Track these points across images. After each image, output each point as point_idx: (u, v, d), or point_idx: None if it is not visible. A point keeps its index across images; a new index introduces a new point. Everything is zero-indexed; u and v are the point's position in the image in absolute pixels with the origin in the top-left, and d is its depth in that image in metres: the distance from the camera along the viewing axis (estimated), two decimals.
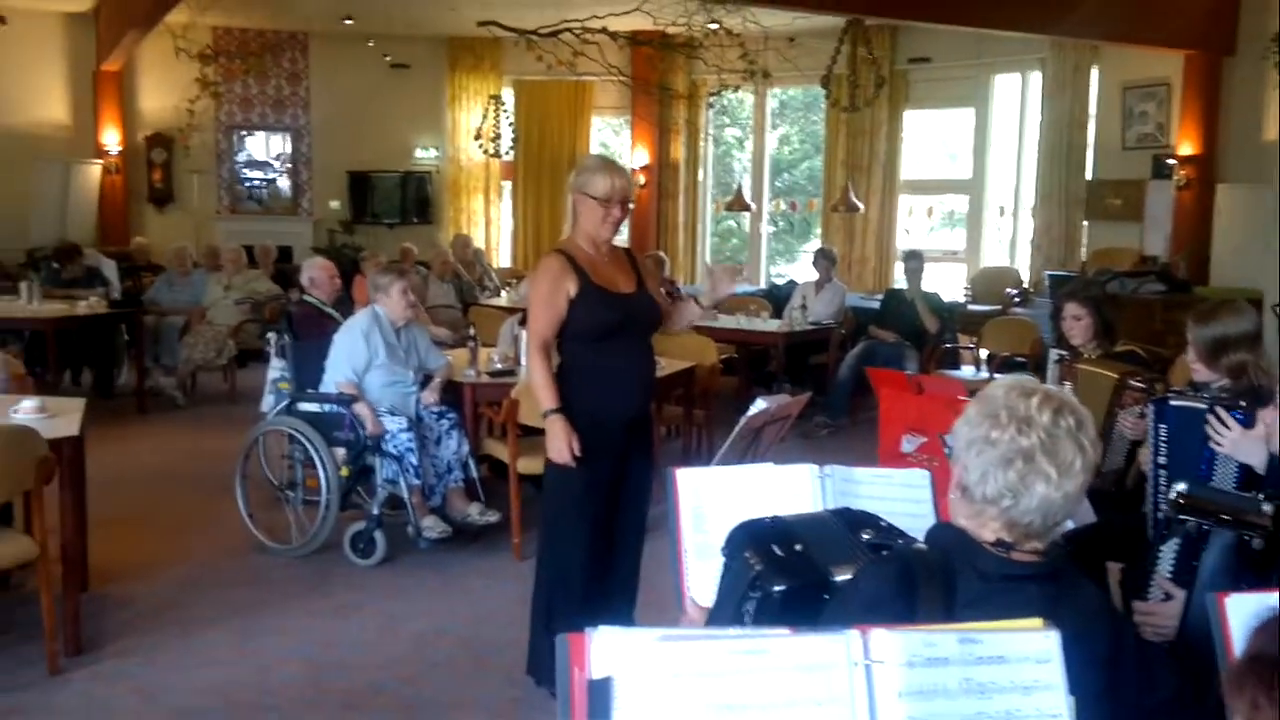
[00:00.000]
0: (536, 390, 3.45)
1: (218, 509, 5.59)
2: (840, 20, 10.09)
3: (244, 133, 13.80)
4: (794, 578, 1.73)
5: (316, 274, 6.15)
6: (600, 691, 1.14)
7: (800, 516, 1.95)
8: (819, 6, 9.43)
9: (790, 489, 2.28)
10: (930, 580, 1.61)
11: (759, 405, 3.15)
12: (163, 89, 13.09)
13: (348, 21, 11.81)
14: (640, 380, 3.57)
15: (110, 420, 7.34)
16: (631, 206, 3.54)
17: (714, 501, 2.29)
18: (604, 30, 10.80)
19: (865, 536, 1.88)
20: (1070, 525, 2.77)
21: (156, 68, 12.99)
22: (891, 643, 1.27)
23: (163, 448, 7.12)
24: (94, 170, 13.02)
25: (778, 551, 1.76)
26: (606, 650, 1.16)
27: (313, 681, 3.70)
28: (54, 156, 12.52)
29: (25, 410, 4.00)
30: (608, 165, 3.45)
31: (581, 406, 3.40)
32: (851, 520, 1.93)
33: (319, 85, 13.70)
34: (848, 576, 1.74)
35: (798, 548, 1.78)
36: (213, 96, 12.90)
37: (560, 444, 3.35)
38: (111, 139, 13.13)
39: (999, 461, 1.62)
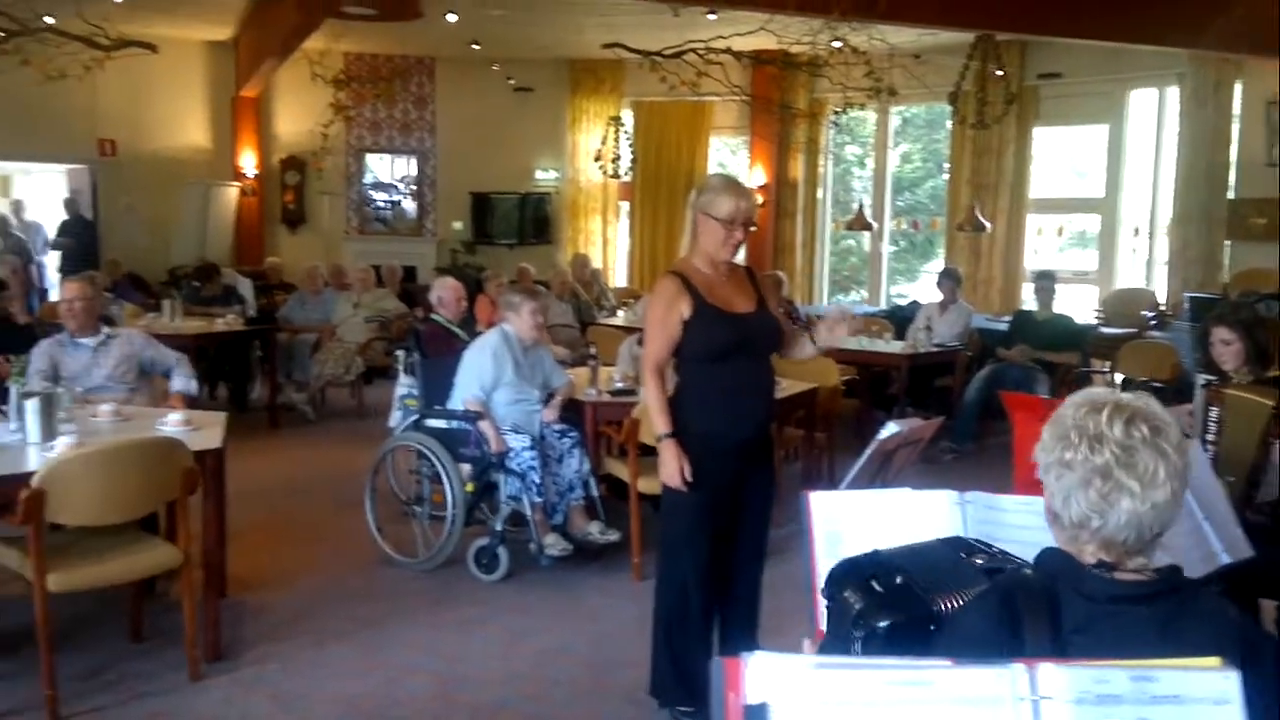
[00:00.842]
0: (651, 413, 3.44)
1: (347, 522, 5.75)
2: (969, 36, 9.90)
3: (372, 155, 14.25)
4: (895, 612, 1.67)
5: (445, 294, 6.27)
6: (756, 717, 1.12)
7: (905, 547, 1.88)
8: (948, 23, 9.26)
9: (928, 515, 2.20)
10: (1034, 609, 1.54)
11: (891, 428, 3.07)
12: (297, 114, 13.62)
13: (475, 47, 12.09)
14: (758, 401, 3.51)
15: (244, 434, 7.58)
16: (753, 229, 3.50)
17: (850, 526, 2.24)
18: (728, 50, 10.81)
19: (978, 562, 1.81)
20: (1225, 560, 2.63)
21: (291, 93, 13.53)
22: (1060, 678, 1.21)
23: (293, 461, 7.36)
24: (231, 192, 13.62)
25: (877, 587, 1.71)
26: (762, 675, 1.13)
27: (439, 694, 3.76)
28: (195, 179, 13.15)
29: (172, 423, 4.18)
30: (732, 186, 3.42)
31: (698, 428, 3.37)
32: (963, 546, 1.87)
33: (444, 108, 14.07)
34: (952, 605, 1.68)
35: (898, 580, 1.72)
36: (345, 120, 13.36)
37: (672, 469, 3.34)
38: (248, 162, 13.72)
39: (1078, 483, 1.56)
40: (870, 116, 13.28)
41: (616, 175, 13.33)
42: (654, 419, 3.41)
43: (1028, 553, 1.82)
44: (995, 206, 11.70)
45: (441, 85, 14.06)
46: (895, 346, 7.97)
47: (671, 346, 3.38)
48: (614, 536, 5.02)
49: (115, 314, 7.95)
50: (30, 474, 3.44)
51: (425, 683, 3.85)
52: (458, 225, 14.30)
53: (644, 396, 3.46)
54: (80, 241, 12.48)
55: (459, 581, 4.90)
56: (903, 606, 1.68)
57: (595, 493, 5.13)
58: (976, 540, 1.89)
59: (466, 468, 5.03)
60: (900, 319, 9.05)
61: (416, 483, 5.39)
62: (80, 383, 4.86)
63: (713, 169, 14.02)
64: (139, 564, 3.80)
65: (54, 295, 11.07)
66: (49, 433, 3.87)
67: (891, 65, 10.62)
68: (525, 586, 4.85)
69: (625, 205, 14.33)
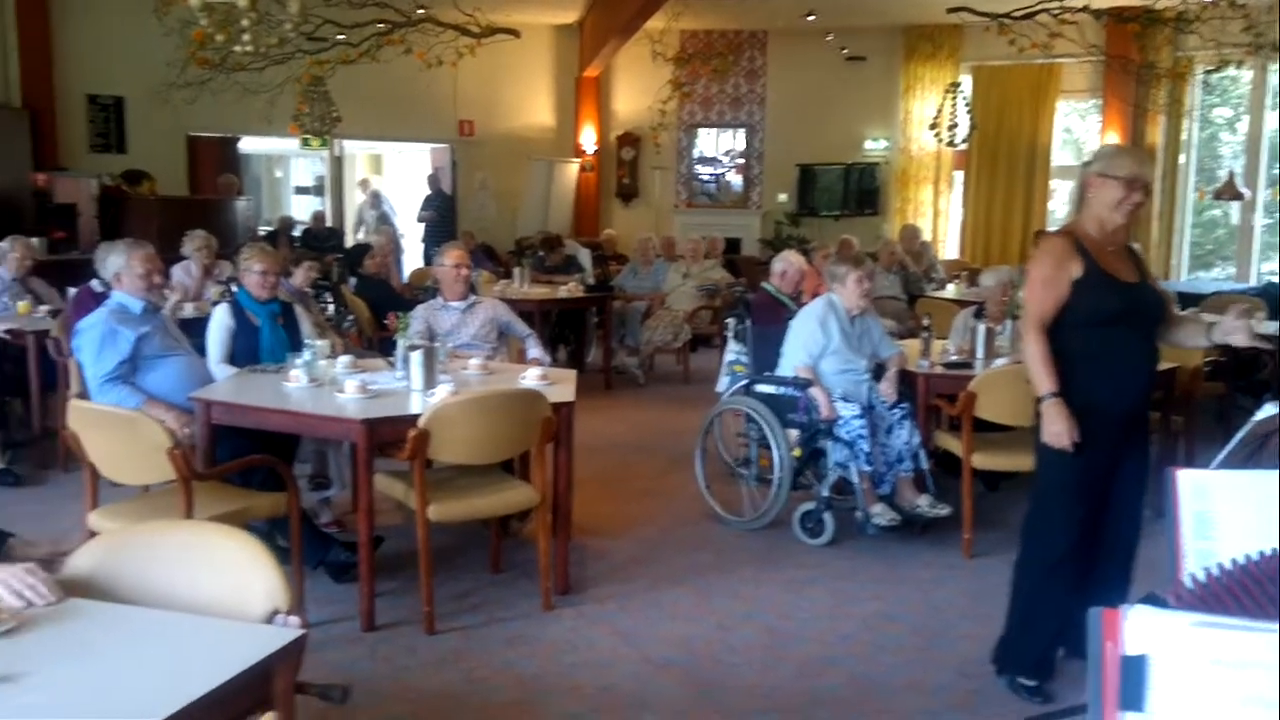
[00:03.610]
0: (1033, 373, 3.36)
1: (675, 479, 6.03)
2: None
3: (702, 130, 14.62)
4: None
5: (789, 269, 6.34)
6: (1134, 668, 1.11)
7: None
8: None
9: None
10: None
11: (1270, 409, 2.83)
12: (634, 92, 14.22)
13: (810, 18, 12.08)
14: (1141, 373, 3.40)
15: (581, 393, 8.01)
16: (1148, 198, 3.38)
17: (1223, 507, 2.10)
18: (1084, 8, 10.13)
19: None
20: None
21: (629, 72, 14.14)
22: None
23: (625, 420, 7.77)
24: (572, 168, 14.47)
25: None
26: (1141, 628, 1.12)
27: (768, 646, 3.88)
28: (540, 157, 14.08)
29: (531, 377, 4.56)
30: (1135, 150, 3.40)
31: (1079, 394, 3.28)
32: None
33: (775, 81, 14.18)
34: None
35: None
36: (683, 97, 13.80)
37: (1059, 428, 3.26)
38: (588, 139, 14.50)
39: None
40: (1245, 75, 11.98)
41: (952, 143, 12.88)
42: (1037, 379, 3.34)
43: None
44: None
45: (773, 58, 14.17)
46: (1270, 327, 7.19)
47: (1058, 306, 3.31)
48: (944, 511, 4.94)
49: (474, 281, 8.72)
50: (415, 416, 3.88)
51: (754, 633, 3.99)
52: (783, 197, 14.39)
53: (1025, 354, 3.40)
54: (441, 214, 13.73)
55: (784, 543, 5.01)
56: None
57: (925, 466, 5.06)
58: None
59: (794, 433, 5.11)
60: (1274, 298, 8.15)
61: (744, 446, 5.54)
62: (451, 340, 5.40)
63: (1058, 135, 13.22)
64: (503, 501, 4.20)
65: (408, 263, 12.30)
66: (430, 381, 4.34)
67: (1275, 18, 9.53)
68: (850, 553, 4.88)
69: (959, 175, 13.81)
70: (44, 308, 6.53)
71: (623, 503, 5.68)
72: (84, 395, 4.63)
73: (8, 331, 6.12)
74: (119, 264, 4.59)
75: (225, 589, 2.12)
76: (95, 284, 5.71)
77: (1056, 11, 10.17)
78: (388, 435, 3.96)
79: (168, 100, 10.61)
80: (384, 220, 15.34)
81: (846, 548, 4.94)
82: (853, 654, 3.83)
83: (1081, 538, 3.35)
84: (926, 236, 12.45)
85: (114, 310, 4.53)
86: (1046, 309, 3.31)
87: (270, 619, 2.05)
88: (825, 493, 5.00)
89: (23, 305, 6.49)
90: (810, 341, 5.13)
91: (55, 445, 6.11)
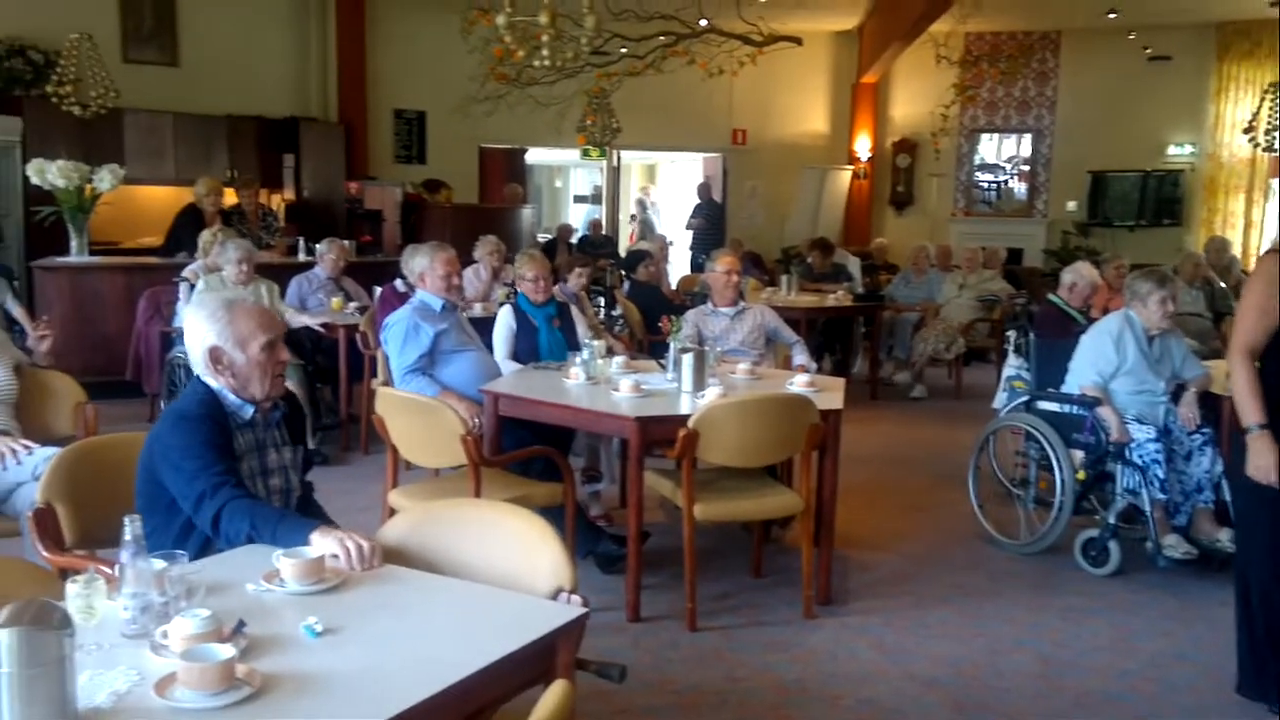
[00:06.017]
0: (1239, 403, 3.19)
1: (943, 495, 5.85)
2: None
3: (984, 136, 14.07)
4: None
5: (1080, 282, 6.03)
6: None
7: None
8: None
9: None
10: None
11: None
12: (913, 97, 13.90)
13: (1111, 16, 11.37)
14: None
15: (846, 403, 7.94)
16: None
17: None
18: None
19: None
20: None
21: (909, 77, 13.83)
22: None
23: (891, 433, 7.60)
24: (844, 176, 14.31)
25: None
26: None
27: (1042, 675, 3.69)
28: (812, 164, 14.01)
29: (799, 383, 4.56)
30: None
31: None
32: None
33: (1068, 84, 13.47)
34: None
35: None
36: (968, 101, 13.36)
37: (1266, 462, 3.09)
38: (862, 146, 14.29)
39: None
40: None
41: (1270, 149, 11.75)
42: (1243, 409, 3.18)
43: None
44: None
45: (1066, 59, 13.46)
46: None
47: (1269, 333, 3.16)
48: None
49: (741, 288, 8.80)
50: (685, 416, 3.96)
51: (1027, 660, 3.81)
52: (1071, 206, 13.62)
53: (1231, 383, 3.18)
54: (710, 222, 13.94)
55: (1062, 569, 4.74)
56: None
57: (1227, 497, 4.64)
58: None
59: (1079, 455, 4.83)
60: None
61: (1021, 466, 5.29)
62: (719, 344, 5.49)
63: None
64: (767, 505, 4.23)
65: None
66: (700, 383, 4.42)
67: None
68: (1137, 586, 4.55)
69: (1276, 183, 12.57)
70: (353, 304, 7.16)
71: (887, 516, 5.56)
72: (389, 384, 5.05)
73: (322, 325, 6.76)
74: (423, 265, 4.98)
75: (515, 564, 2.27)
76: (398, 283, 6.21)
77: None
78: (658, 434, 4.08)
79: (467, 114, 11.41)
80: (646, 227, 15.80)
81: (1133, 579, 4.61)
82: (1137, 692, 3.57)
83: None
84: (1236, 250, 11.41)
85: (417, 307, 4.92)
86: (1257, 335, 3.15)
87: (554, 596, 2.17)
88: (1112, 520, 4.68)
89: (336, 301, 7.14)
90: (1102, 359, 4.84)
91: (358, 430, 6.71)
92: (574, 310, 5.78)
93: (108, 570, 2.07)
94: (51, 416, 4.06)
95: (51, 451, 3.26)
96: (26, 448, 3.59)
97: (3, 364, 3.86)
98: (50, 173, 7.56)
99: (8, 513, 3.58)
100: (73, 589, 1.85)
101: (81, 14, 9.69)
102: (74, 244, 7.93)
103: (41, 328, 4.52)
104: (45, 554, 2.72)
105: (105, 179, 7.73)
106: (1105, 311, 6.01)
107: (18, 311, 6.65)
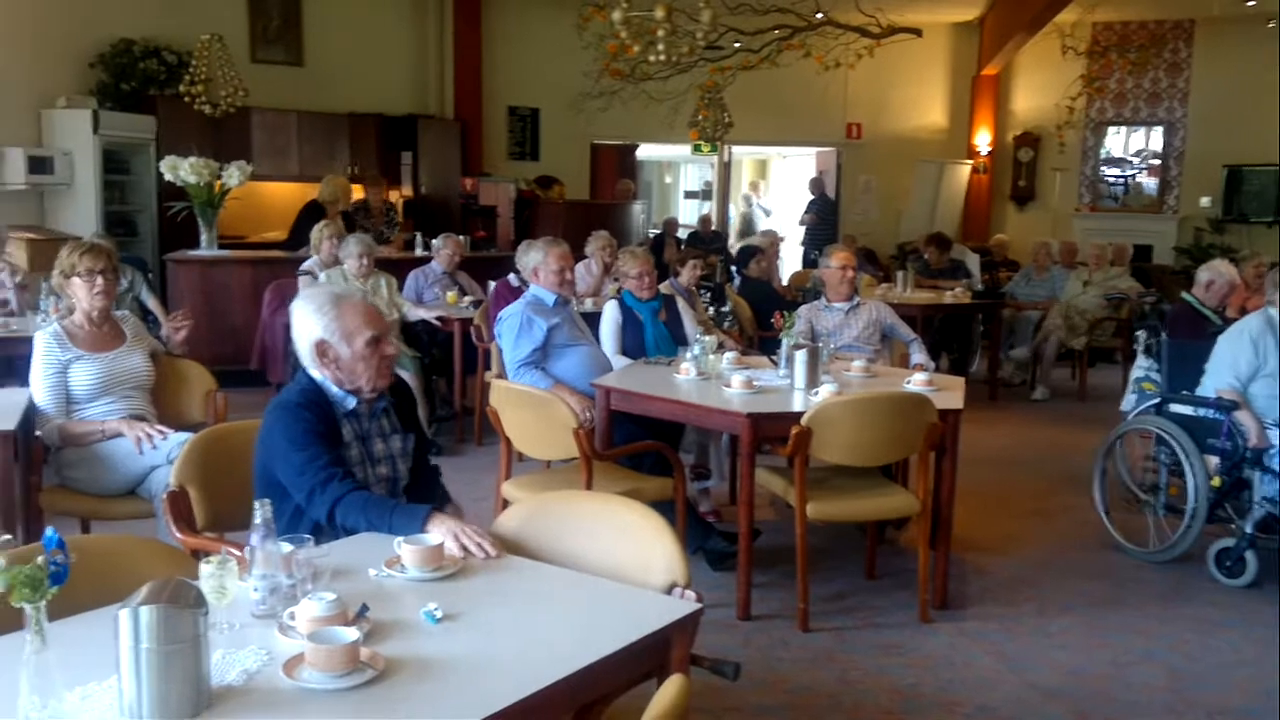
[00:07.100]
0: None
1: (1065, 499, 5.66)
2: None
3: (1111, 129, 13.56)
4: None
5: (1216, 279, 5.76)
6: None
7: None
8: None
9: None
10: None
11: None
12: (1036, 89, 13.47)
13: (1249, 3, 10.83)
14: None
15: (964, 403, 7.79)
16: None
17: None
18: None
19: None
20: None
21: (1033, 69, 13.41)
22: None
23: (1011, 434, 7.38)
24: (963, 170, 13.94)
25: None
26: None
27: (1173, 689, 3.53)
28: (929, 158, 13.70)
29: (917, 382, 4.45)
30: None
31: None
32: None
33: (1201, 74, 12.87)
34: None
35: None
36: (1095, 93, 12.90)
37: None
38: (983, 140, 13.92)
39: None
40: None
41: None
42: None
43: None
44: None
45: (1200, 49, 12.87)
46: None
47: None
48: None
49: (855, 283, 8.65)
50: (798, 414, 3.90)
51: (1156, 673, 3.65)
52: (1205, 201, 13.01)
53: None
54: (822, 217, 13.76)
55: (1194, 579, 4.53)
56: None
57: None
58: None
59: (1214, 460, 4.60)
60: None
61: (1151, 471, 5.07)
62: (833, 341, 5.40)
63: None
64: (883, 505, 4.14)
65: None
66: (813, 380, 4.35)
67: None
68: (1275, 598, 4.32)
69: None
70: (468, 298, 7.27)
71: (1006, 520, 5.40)
72: (503, 377, 5.11)
73: (437, 318, 6.89)
74: (537, 260, 5.02)
75: (629, 558, 2.26)
76: (512, 278, 6.28)
77: None
78: (770, 431, 4.03)
79: (580, 110, 11.49)
80: (748, 222, 15.67)
81: (1270, 591, 4.38)
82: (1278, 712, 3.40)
83: None
84: None
85: (530, 302, 4.96)
86: None
87: (669, 590, 2.16)
88: (1249, 529, 4.45)
89: (451, 295, 7.26)
90: (1240, 362, 4.60)
91: (472, 422, 6.82)
92: (680, 303, 5.76)
93: (238, 552, 2.13)
94: (184, 403, 4.22)
95: (184, 437, 3.39)
96: (162, 433, 3.73)
97: (141, 352, 4.02)
98: (182, 169, 7.86)
99: (144, 495, 3.73)
100: (206, 569, 1.90)
101: (213, 16, 10.06)
102: (204, 238, 8.24)
103: (179, 319, 4.72)
104: (179, 535, 2.83)
105: (234, 175, 8.01)
106: (1243, 311, 5.73)
107: (152, 303, 6.93)
